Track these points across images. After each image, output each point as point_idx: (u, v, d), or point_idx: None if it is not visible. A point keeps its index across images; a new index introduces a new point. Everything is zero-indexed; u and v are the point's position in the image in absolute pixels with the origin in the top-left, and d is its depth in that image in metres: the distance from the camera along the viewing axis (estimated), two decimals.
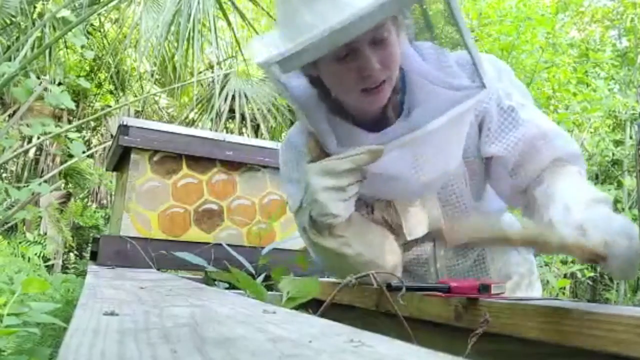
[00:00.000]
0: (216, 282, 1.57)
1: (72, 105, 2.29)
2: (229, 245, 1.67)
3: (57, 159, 6.12)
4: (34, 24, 3.69)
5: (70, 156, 3.08)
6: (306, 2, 0.79)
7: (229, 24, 3.73)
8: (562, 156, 0.94)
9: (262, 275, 1.50)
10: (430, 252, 1.11)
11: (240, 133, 5.77)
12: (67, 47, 4.78)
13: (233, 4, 3.63)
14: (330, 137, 0.92)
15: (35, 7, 4.17)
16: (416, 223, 1.04)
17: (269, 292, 1.23)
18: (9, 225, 3.92)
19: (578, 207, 0.79)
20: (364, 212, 1.06)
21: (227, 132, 6.07)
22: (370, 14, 0.73)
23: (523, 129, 0.96)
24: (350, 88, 0.89)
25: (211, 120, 5.33)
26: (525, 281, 1.16)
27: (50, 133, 2.43)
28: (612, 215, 0.76)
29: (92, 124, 6.81)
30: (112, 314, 0.46)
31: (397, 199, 1.03)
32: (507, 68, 1.08)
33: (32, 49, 3.43)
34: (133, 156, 1.74)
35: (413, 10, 0.93)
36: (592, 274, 4.09)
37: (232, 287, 1.23)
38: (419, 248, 1.12)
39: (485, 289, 0.75)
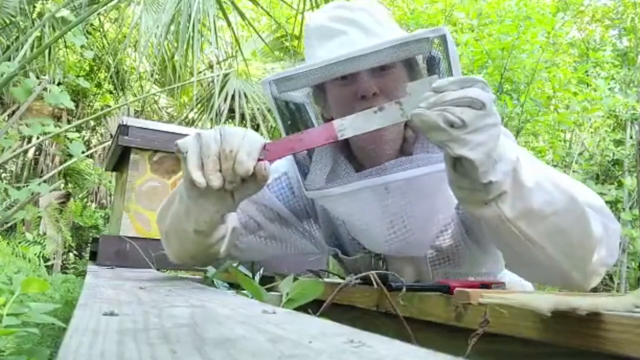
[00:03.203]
0: (215, 282, 1.56)
1: (72, 105, 2.29)
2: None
3: (57, 159, 6.12)
4: (33, 23, 3.69)
5: (70, 156, 3.08)
6: (321, 40, 0.93)
7: (229, 24, 3.73)
8: None
9: (259, 275, 1.50)
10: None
11: None
12: (66, 47, 4.78)
13: (233, 4, 3.63)
14: (323, 171, 0.95)
15: (34, 7, 4.17)
16: (401, 274, 1.01)
17: (270, 293, 1.23)
18: (9, 225, 3.92)
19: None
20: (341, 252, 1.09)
21: None
22: (371, 56, 0.81)
23: None
24: (347, 114, 0.88)
25: (211, 120, 5.33)
26: None
27: (49, 133, 2.43)
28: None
29: (92, 123, 6.81)
30: (111, 314, 0.46)
31: (383, 252, 1.02)
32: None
33: (32, 48, 3.43)
34: (132, 156, 1.74)
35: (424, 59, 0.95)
36: None
37: (232, 287, 1.23)
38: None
39: (485, 288, 0.76)
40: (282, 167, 1.09)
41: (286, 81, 0.88)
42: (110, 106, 6.25)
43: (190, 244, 0.92)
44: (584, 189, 0.87)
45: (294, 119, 0.97)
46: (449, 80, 0.70)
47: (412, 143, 0.97)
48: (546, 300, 0.57)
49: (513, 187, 0.73)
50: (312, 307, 0.85)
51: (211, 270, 1.59)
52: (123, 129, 1.74)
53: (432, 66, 0.90)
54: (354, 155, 1.00)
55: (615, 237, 0.85)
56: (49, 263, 4.57)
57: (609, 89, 4.23)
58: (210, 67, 6.38)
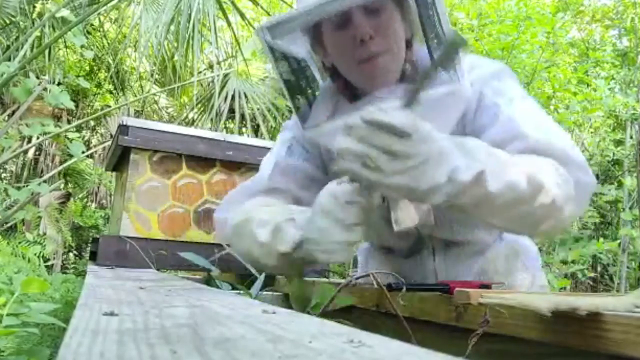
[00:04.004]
0: (218, 283, 1.56)
1: (72, 105, 2.29)
2: (229, 245, 1.66)
3: (57, 159, 6.11)
4: (33, 23, 3.70)
5: (70, 156, 3.08)
6: None
7: (229, 24, 3.73)
8: (531, 148, 0.87)
9: (262, 276, 1.50)
10: (431, 266, 1.10)
11: (240, 133, 5.77)
12: (66, 47, 4.78)
13: (233, 4, 3.63)
14: (323, 113, 0.98)
15: (34, 7, 4.17)
16: (405, 215, 1.01)
17: (270, 292, 1.23)
18: (9, 225, 3.92)
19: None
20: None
21: (227, 132, 6.07)
22: None
23: (499, 124, 0.92)
24: (349, 59, 0.94)
25: (211, 120, 5.33)
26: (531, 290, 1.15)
27: (49, 133, 2.43)
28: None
29: (92, 123, 6.81)
30: (111, 314, 0.46)
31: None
32: (507, 69, 1.04)
33: (32, 48, 3.43)
34: (132, 156, 1.74)
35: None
36: (592, 274, 4.10)
37: (235, 288, 1.23)
38: (419, 262, 1.11)
39: (485, 288, 0.76)
40: (288, 132, 1.13)
41: (280, 26, 0.88)
42: (110, 106, 6.25)
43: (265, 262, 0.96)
44: (563, 142, 0.88)
45: (293, 70, 0.99)
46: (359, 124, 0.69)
47: (410, 76, 0.98)
48: (546, 300, 0.57)
49: (472, 195, 0.74)
50: (312, 306, 0.85)
51: (215, 271, 1.59)
52: (123, 129, 1.73)
53: (424, 3, 0.90)
54: (357, 95, 1.01)
55: (586, 190, 0.88)
56: (49, 263, 4.57)
57: (609, 89, 4.23)
58: (210, 67, 6.38)
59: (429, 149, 0.69)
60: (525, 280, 1.13)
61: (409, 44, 0.98)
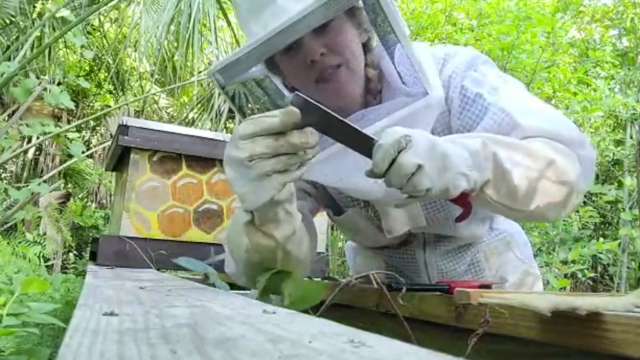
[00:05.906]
0: (217, 284, 1.56)
1: (72, 105, 2.29)
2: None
3: (57, 159, 6.12)
4: (33, 23, 3.70)
5: (70, 156, 3.08)
6: (252, 13, 0.89)
7: (229, 23, 3.73)
8: (528, 135, 0.86)
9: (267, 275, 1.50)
10: (421, 258, 1.10)
11: None
12: (66, 47, 4.79)
13: (233, 3, 3.63)
14: None
15: (34, 7, 4.17)
16: (395, 221, 1.02)
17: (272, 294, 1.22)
18: (9, 225, 3.92)
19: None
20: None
21: (227, 132, 6.07)
22: (306, 20, 0.79)
23: (489, 116, 0.90)
24: (305, 81, 0.91)
25: (211, 120, 5.33)
26: (527, 282, 1.14)
27: (49, 133, 2.43)
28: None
29: (92, 123, 6.81)
30: (111, 314, 0.46)
31: (371, 200, 1.02)
32: (481, 55, 1.01)
33: (32, 48, 3.43)
34: (132, 156, 1.74)
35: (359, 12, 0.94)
36: (592, 274, 4.10)
37: (233, 288, 1.23)
38: (410, 254, 1.11)
39: (485, 288, 0.76)
40: None
41: (232, 67, 0.86)
42: (110, 106, 6.26)
43: None
44: (556, 122, 0.88)
45: (257, 99, 0.98)
46: (375, 169, 0.72)
47: (376, 80, 0.96)
48: (546, 300, 0.57)
49: (494, 174, 0.76)
50: (312, 307, 0.85)
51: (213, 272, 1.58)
52: (123, 129, 1.73)
53: (373, 6, 0.87)
54: None
55: (589, 164, 0.89)
56: (49, 263, 4.57)
57: (609, 89, 4.23)
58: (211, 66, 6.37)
59: (431, 147, 0.71)
60: (517, 272, 1.13)
61: (367, 47, 0.95)
